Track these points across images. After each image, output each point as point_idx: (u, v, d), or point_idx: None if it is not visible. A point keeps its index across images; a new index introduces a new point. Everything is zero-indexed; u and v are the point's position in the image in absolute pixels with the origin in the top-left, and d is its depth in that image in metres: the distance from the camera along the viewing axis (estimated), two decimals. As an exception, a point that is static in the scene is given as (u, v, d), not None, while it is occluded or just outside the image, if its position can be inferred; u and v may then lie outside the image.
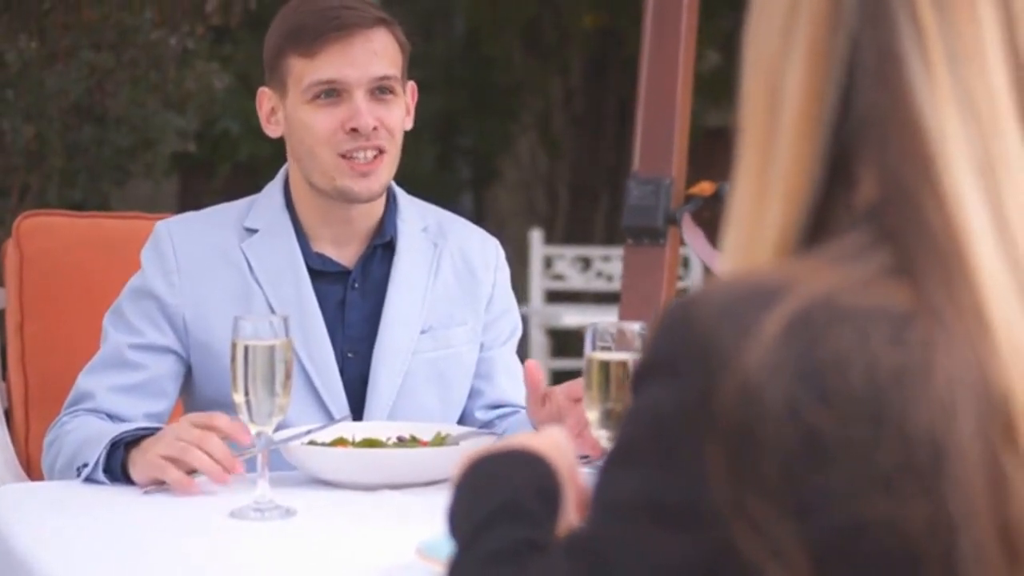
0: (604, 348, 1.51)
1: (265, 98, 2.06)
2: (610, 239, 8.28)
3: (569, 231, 8.67)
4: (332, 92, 1.98)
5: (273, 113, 2.06)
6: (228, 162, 7.83)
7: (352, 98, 1.98)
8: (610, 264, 7.00)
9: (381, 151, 1.99)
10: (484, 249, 2.17)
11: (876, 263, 0.80)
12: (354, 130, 1.97)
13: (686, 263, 6.83)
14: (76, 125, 4.01)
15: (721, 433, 0.76)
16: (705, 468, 0.76)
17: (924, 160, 0.80)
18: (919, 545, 0.75)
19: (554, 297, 7.09)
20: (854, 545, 0.75)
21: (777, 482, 0.75)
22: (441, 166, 8.60)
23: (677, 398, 0.78)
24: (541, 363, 6.59)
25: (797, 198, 0.84)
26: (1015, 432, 0.76)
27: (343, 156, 1.98)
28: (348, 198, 2.01)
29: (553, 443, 1.03)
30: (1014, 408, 0.76)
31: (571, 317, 6.44)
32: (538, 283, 6.81)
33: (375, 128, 1.98)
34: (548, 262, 6.94)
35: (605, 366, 1.50)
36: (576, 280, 6.98)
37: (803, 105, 0.83)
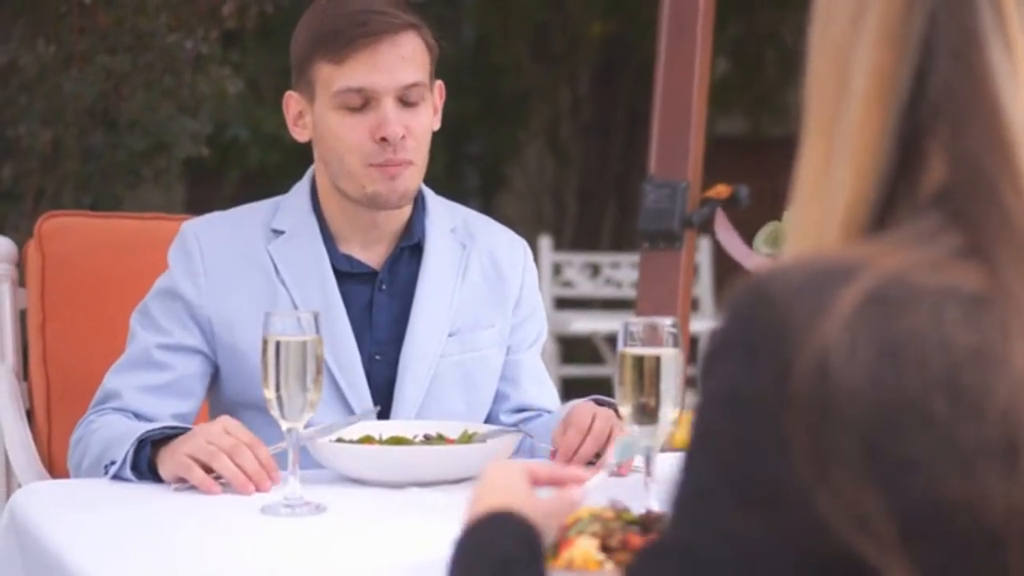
0: (636, 344, 1.52)
1: (292, 101, 2.05)
2: (618, 246, 8.28)
3: (577, 238, 8.67)
4: (361, 99, 1.98)
5: (301, 116, 2.05)
6: (238, 169, 7.84)
7: (380, 106, 1.97)
8: (619, 271, 7.01)
9: (408, 163, 1.99)
10: (512, 250, 2.17)
11: (947, 246, 0.80)
12: (383, 139, 1.97)
13: (695, 270, 6.82)
14: (92, 129, 4.02)
15: (799, 409, 0.77)
16: (785, 444, 0.77)
17: (1004, 146, 0.80)
18: (999, 527, 0.75)
19: (563, 304, 7.09)
20: (938, 522, 0.76)
21: (858, 454, 0.76)
22: (449, 173, 8.60)
23: (754, 376, 0.79)
24: (550, 369, 6.59)
25: (867, 177, 0.84)
26: None
27: (372, 165, 1.99)
28: (377, 204, 2.01)
29: (508, 486, 1.14)
30: None
31: (580, 324, 6.44)
32: (547, 290, 6.81)
33: (403, 137, 1.97)
34: (557, 269, 6.95)
35: (639, 361, 1.50)
36: (585, 287, 6.98)
37: (874, 83, 0.83)
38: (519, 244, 2.19)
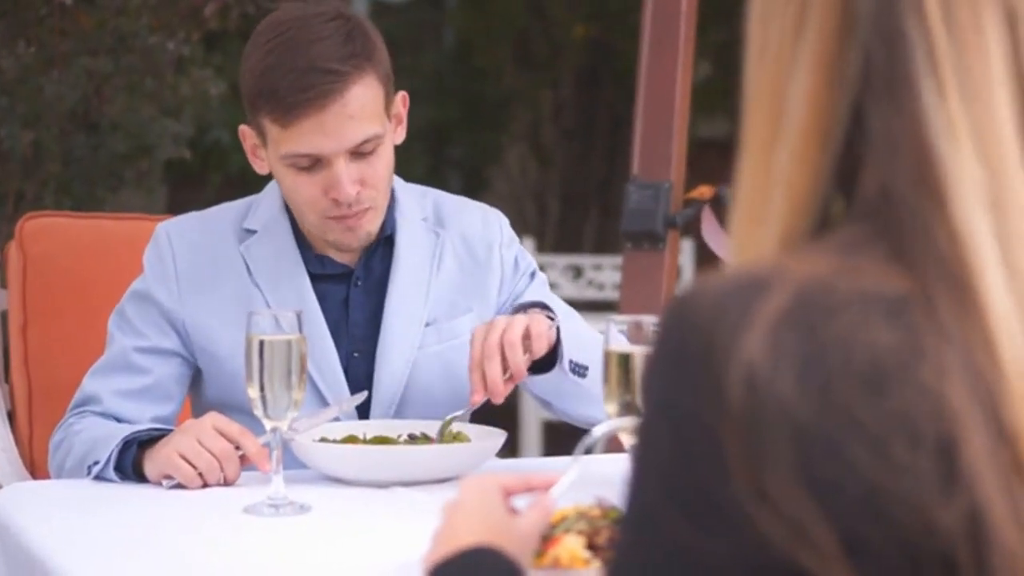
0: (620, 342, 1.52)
1: (248, 136, 2.00)
2: (600, 249, 8.28)
3: (559, 241, 8.68)
4: (310, 161, 1.91)
5: (257, 149, 1.99)
6: (219, 172, 7.82)
7: (332, 166, 1.90)
8: (601, 273, 7.02)
9: (367, 210, 1.96)
10: (487, 230, 2.12)
11: (871, 254, 0.79)
12: (336, 199, 1.93)
13: (678, 272, 6.83)
14: (73, 132, 4.00)
15: (733, 424, 0.76)
16: (723, 460, 0.76)
17: (937, 191, 0.79)
18: (944, 536, 0.75)
19: (546, 307, 7.08)
20: (878, 532, 0.75)
21: (792, 464, 0.75)
22: (431, 177, 8.60)
23: (688, 395, 0.78)
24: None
25: (803, 203, 0.83)
26: None
27: (329, 218, 1.96)
28: (340, 248, 2.01)
29: (484, 513, 1.14)
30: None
31: (563, 326, 6.43)
32: (530, 293, 6.81)
33: (358, 192, 1.93)
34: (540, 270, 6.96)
35: (624, 359, 1.51)
36: (568, 289, 6.98)
37: (811, 114, 0.82)
38: (493, 219, 2.14)
